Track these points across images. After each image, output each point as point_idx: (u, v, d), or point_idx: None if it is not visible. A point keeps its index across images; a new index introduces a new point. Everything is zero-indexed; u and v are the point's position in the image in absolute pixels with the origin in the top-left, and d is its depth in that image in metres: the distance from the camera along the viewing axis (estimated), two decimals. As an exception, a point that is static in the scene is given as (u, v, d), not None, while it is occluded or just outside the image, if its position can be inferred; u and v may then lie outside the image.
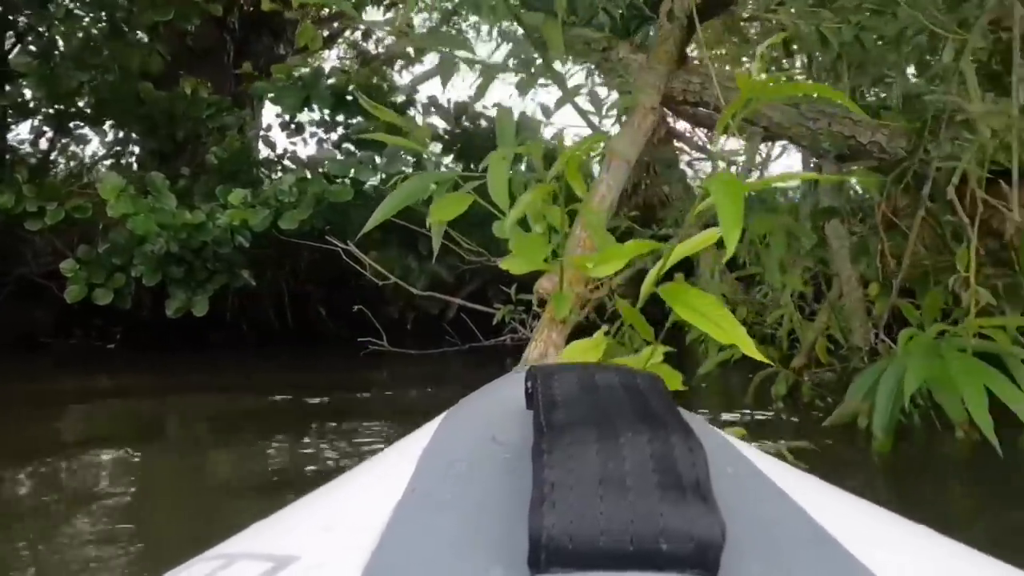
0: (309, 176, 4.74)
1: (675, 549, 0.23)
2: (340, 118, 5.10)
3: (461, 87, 7.47)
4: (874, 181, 1.71)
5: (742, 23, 2.78)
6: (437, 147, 4.99)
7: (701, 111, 2.98)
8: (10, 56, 5.27)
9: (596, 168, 1.51)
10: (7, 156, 5.39)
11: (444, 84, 1.66)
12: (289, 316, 5.52)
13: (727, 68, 2.57)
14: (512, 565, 0.24)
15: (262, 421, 3.23)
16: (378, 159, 4.75)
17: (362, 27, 6.72)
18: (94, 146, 5.99)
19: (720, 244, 0.62)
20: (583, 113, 1.62)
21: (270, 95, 4.98)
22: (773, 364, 2.71)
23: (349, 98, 4.72)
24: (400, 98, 5.47)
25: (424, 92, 6.08)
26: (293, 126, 5.31)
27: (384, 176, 4.62)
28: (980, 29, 1.56)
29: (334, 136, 5.39)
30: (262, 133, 5.84)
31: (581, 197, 0.93)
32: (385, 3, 5.13)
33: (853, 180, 2.23)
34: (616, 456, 0.26)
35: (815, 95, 2.30)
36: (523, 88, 1.66)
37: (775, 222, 1.94)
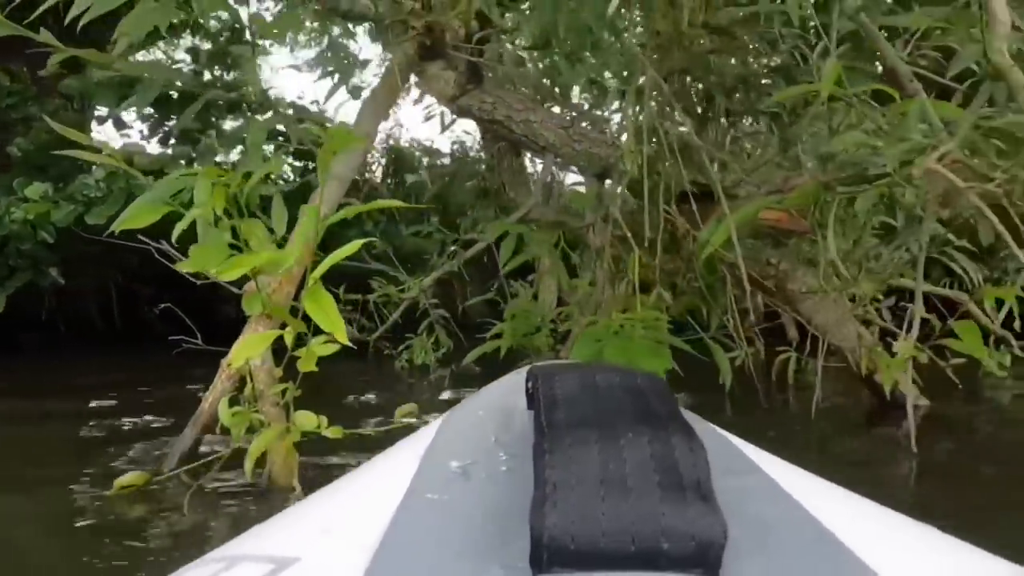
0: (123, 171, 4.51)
1: (676, 549, 0.23)
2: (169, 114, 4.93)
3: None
4: (588, 198, 2.02)
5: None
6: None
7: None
8: None
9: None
10: None
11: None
12: (116, 316, 5.25)
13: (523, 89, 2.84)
14: (514, 566, 0.24)
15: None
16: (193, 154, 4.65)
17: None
18: None
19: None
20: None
21: (88, 90, 4.71)
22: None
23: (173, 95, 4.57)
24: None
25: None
26: (116, 120, 5.05)
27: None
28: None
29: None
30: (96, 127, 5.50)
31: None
32: None
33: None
34: (617, 456, 0.26)
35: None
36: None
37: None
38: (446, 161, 5.96)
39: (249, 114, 4.79)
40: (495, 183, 3.13)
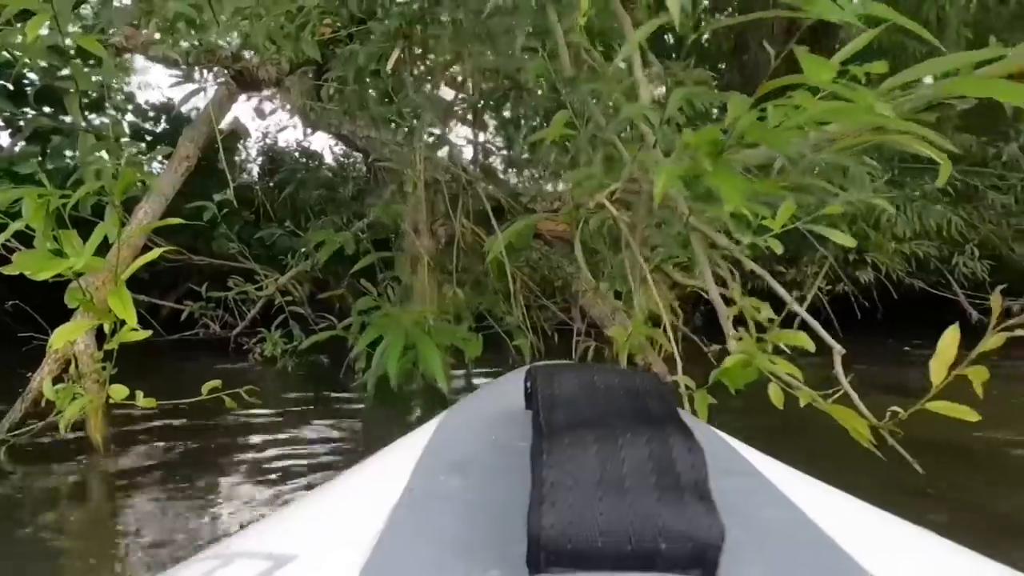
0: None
1: (674, 550, 0.23)
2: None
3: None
4: (392, 212, 2.38)
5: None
6: (141, 146, 4.98)
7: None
8: None
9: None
10: None
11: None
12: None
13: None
14: (511, 565, 0.25)
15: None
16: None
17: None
18: None
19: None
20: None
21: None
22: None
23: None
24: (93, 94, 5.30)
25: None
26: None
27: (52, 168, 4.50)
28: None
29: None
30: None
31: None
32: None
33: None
34: (615, 457, 0.26)
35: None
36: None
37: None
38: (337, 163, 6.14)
39: (113, 113, 4.78)
40: (346, 191, 3.41)
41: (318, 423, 2.79)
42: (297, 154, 6.30)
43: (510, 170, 2.66)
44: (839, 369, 1.29)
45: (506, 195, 2.25)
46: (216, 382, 1.54)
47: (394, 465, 0.38)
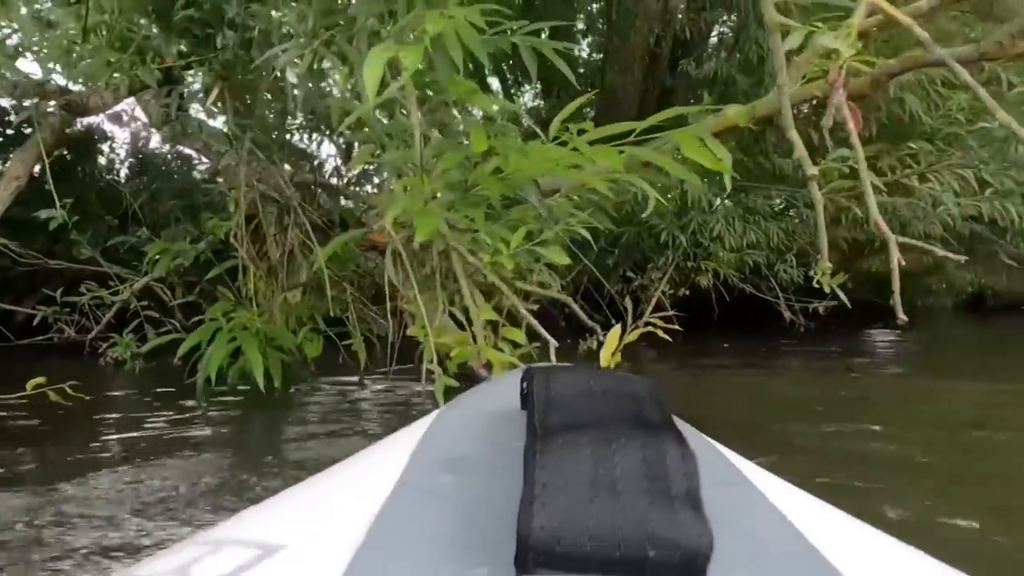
0: None
1: (662, 556, 0.23)
2: None
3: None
4: (221, 226, 2.62)
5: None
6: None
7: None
8: None
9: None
10: None
11: None
12: None
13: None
14: (499, 565, 0.25)
15: None
16: None
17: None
18: None
19: None
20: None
21: None
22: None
23: None
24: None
25: None
26: None
27: None
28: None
29: None
30: None
31: None
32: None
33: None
34: (608, 461, 0.27)
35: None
36: None
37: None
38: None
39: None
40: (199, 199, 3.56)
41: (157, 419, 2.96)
42: (169, 156, 6.27)
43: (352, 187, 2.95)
44: (552, 359, 1.68)
45: (339, 210, 2.54)
46: (41, 379, 1.72)
47: (387, 459, 0.38)
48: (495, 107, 1.88)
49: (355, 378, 3.78)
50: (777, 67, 1.22)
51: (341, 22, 1.75)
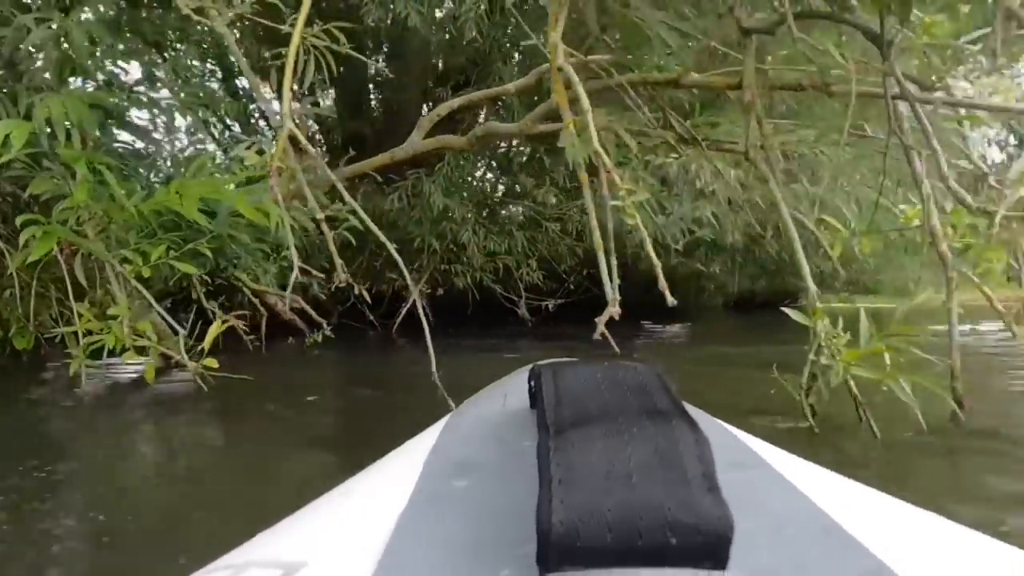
0: None
1: (683, 543, 0.23)
2: None
3: None
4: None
5: None
6: None
7: None
8: None
9: None
10: None
11: None
12: None
13: None
14: (522, 565, 0.25)
15: None
16: None
17: None
18: None
19: None
20: None
21: None
22: None
23: None
24: None
25: None
26: None
27: None
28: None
29: None
30: None
31: None
32: None
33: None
34: (622, 452, 0.27)
35: None
36: None
37: None
38: None
39: None
40: None
41: None
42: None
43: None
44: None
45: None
46: None
47: (401, 469, 0.39)
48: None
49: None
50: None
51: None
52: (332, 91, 9.21)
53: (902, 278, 8.03)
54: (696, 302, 9.95)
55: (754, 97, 2.02)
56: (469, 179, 6.91)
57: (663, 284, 1.48)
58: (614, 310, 1.56)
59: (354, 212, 2.08)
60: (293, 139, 1.78)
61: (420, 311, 2.22)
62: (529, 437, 0.35)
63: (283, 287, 4.69)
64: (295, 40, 1.88)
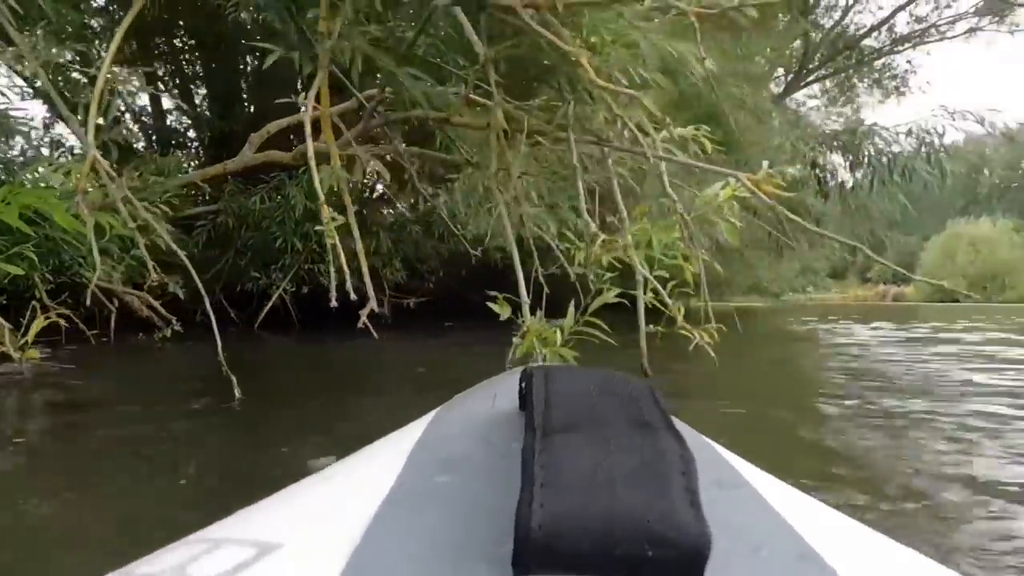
0: None
1: (660, 556, 0.23)
2: None
3: None
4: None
5: None
6: None
7: None
8: None
9: None
10: None
11: None
12: None
13: None
14: (497, 565, 0.25)
15: None
16: None
17: None
18: None
19: None
20: None
21: None
22: None
23: None
24: None
25: None
26: None
27: None
28: None
29: None
30: None
31: None
32: None
33: None
34: (606, 461, 0.27)
35: None
36: None
37: None
38: None
39: None
40: None
41: None
42: None
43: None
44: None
45: None
46: None
47: (385, 459, 0.39)
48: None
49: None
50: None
51: None
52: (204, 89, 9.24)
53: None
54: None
55: (499, 138, 2.61)
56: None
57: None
58: (373, 306, 2.12)
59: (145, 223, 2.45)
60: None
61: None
62: (515, 438, 0.35)
63: (137, 285, 4.92)
64: (100, 78, 2.25)
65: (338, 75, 2.99)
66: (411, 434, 0.43)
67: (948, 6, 17.38)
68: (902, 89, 17.92)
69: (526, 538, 0.24)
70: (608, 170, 2.68)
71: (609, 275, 2.70)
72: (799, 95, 17.51)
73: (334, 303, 2.15)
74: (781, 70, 16.85)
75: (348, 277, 1.99)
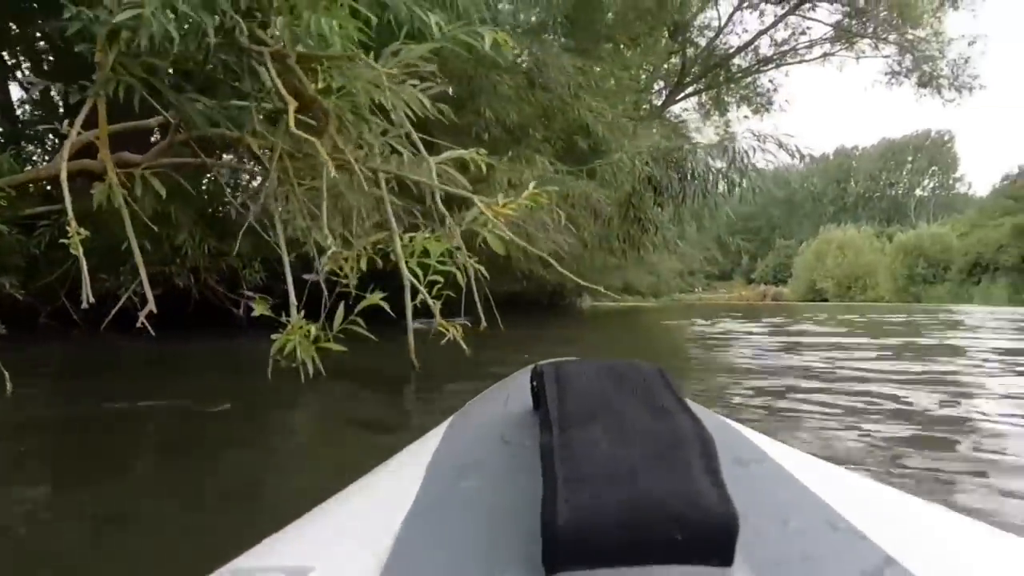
0: None
1: (689, 539, 0.24)
2: None
3: None
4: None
5: None
6: None
7: None
8: None
9: None
10: None
11: None
12: None
13: None
14: (528, 564, 0.25)
15: None
16: None
17: None
18: None
19: None
20: None
21: None
22: None
23: None
24: None
25: None
26: None
27: None
28: None
29: None
30: None
31: None
32: None
33: None
34: (625, 450, 0.27)
35: None
36: None
37: None
38: None
39: None
40: None
41: None
42: None
43: None
44: None
45: None
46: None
47: (406, 471, 0.39)
48: None
49: None
50: None
51: None
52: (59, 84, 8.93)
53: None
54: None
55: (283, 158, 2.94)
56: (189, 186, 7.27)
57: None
58: (151, 307, 2.44)
59: None
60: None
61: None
62: (533, 437, 0.34)
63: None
64: None
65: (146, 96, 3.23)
66: (429, 444, 0.43)
67: (803, 32, 19.11)
68: (766, 106, 19.52)
69: (553, 535, 0.24)
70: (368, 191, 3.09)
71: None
72: (676, 108, 18.71)
73: (86, 304, 2.47)
74: (661, 82, 18.00)
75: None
